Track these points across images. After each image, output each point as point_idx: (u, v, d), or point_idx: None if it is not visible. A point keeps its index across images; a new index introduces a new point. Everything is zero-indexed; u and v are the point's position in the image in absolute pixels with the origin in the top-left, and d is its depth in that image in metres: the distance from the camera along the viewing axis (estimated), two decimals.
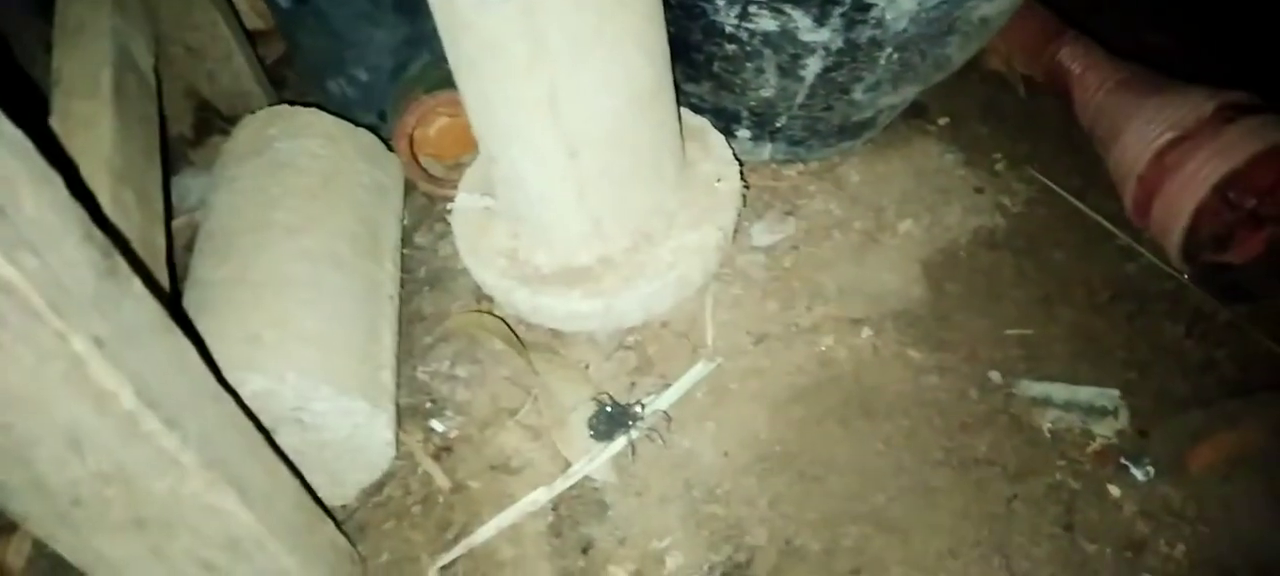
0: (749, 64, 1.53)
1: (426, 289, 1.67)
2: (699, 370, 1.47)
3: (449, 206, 1.79)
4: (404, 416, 1.46)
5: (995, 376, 1.43)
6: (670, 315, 1.55)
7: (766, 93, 1.60)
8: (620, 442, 1.39)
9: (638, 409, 1.40)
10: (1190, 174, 1.45)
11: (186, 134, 1.88)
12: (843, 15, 1.37)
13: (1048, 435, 1.36)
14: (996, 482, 1.32)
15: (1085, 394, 1.39)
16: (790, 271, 1.61)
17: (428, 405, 1.50)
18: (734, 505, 1.33)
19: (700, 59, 1.58)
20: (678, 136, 1.55)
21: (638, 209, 1.53)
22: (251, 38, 1.99)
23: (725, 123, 1.73)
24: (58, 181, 0.79)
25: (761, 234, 1.65)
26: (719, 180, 1.61)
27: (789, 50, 1.47)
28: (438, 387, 1.52)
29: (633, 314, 1.51)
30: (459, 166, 1.94)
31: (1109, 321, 1.50)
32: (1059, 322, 1.50)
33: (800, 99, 1.60)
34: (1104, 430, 1.35)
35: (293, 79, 2.12)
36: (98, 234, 0.85)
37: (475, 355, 1.55)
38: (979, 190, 1.73)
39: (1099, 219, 1.65)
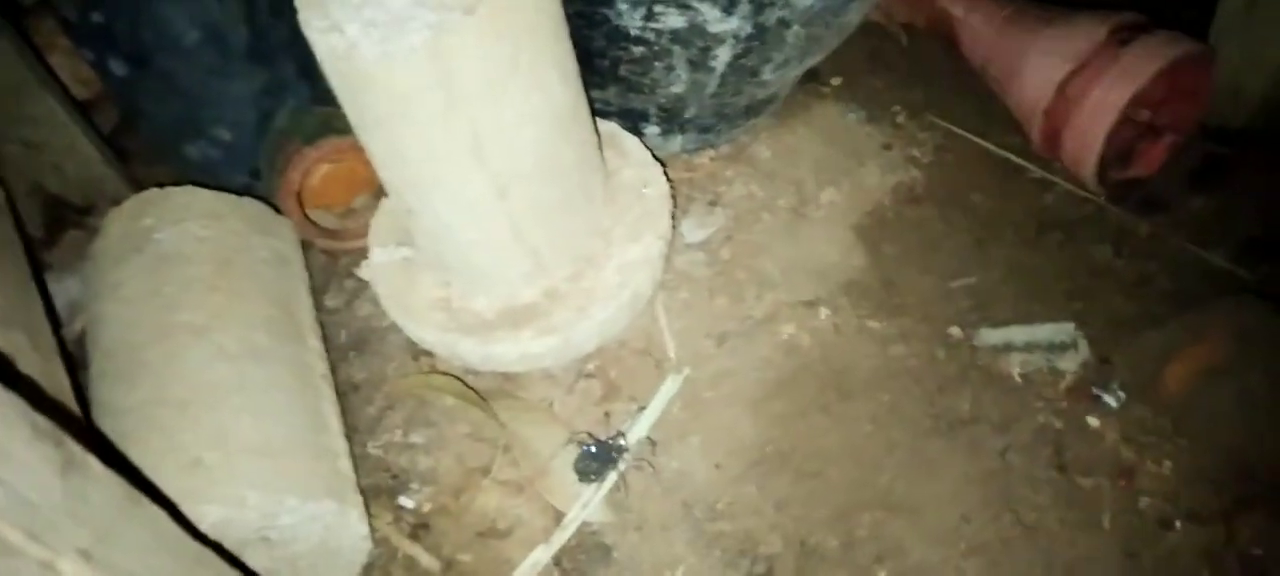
0: (658, 63, 1.48)
1: (353, 355, 1.55)
2: (670, 386, 1.42)
3: (361, 262, 1.67)
4: (367, 499, 1.34)
5: (955, 332, 1.45)
6: (624, 333, 1.49)
7: (677, 88, 1.55)
8: (611, 480, 1.33)
9: (620, 440, 1.34)
10: (1097, 102, 1.50)
11: (38, 235, 1.66)
12: (752, 1, 1.34)
13: (1019, 380, 1.39)
14: (986, 438, 1.34)
15: (1042, 332, 1.43)
16: (731, 263, 1.57)
17: (389, 482, 1.39)
18: (740, 517, 1.30)
19: (605, 64, 1.52)
20: (599, 151, 1.48)
21: (574, 233, 1.45)
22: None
23: (632, 122, 1.68)
24: None
25: (693, 230, 1.61)
26: (646, 186, 1.55)
27: (698, 44, 1.42)
28: (395, 460, 1.41)
29: (589, 342, 1.44)
30: (352, 213, 1.81)
31: (1043, 254, 1.55)
32: (997, 265, 1.54)
33: (711, 89, 1.56)
34: (1069, 364, 1.39)
35: (137, 149, 1.90)
36: (42, 420, 0.73)
37: (427, 417, 1.45)
38: (887, 146, 1.74)
39: (1008, 155, 1.70)
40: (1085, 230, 1.58)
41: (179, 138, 1.73)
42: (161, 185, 1.50)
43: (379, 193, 1.82)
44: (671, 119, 1.67)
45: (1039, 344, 1.42)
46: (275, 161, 1.67)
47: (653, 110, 1.64)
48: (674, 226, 1.59)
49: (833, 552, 1.25)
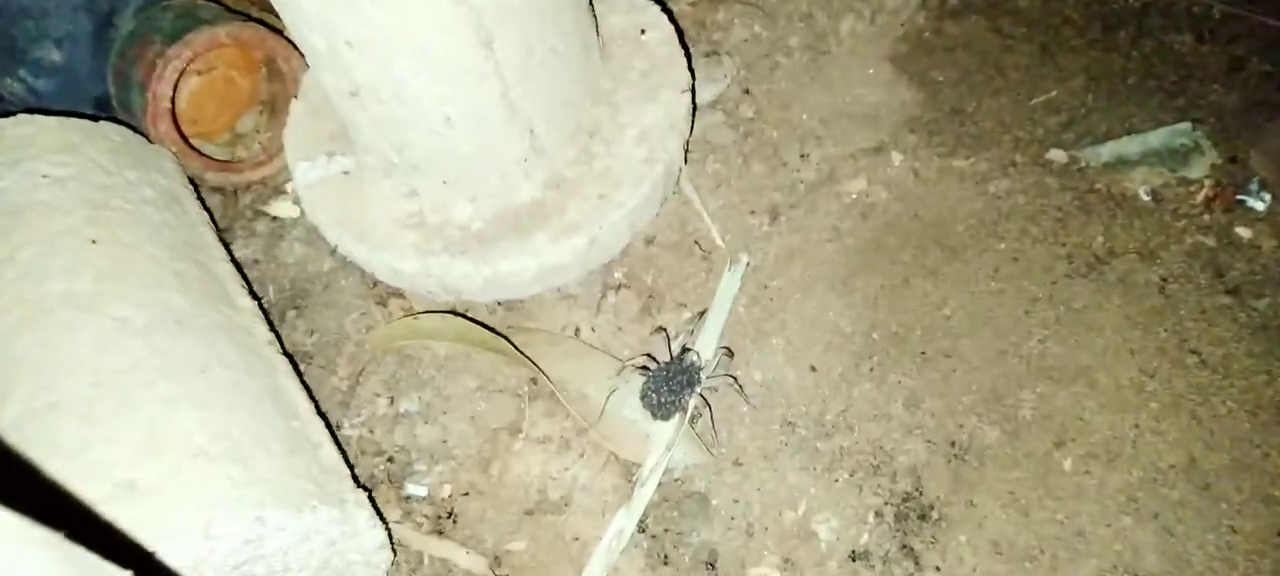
0: None
1: (292, 315, 1.16)
2: (731, 280, 1.10)
3: (274, 196, 1.28)
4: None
5: (1058, 155, 1.19)
6: (651, 226, 1.16)
7: None
8: (690, 409, 1.00)
9: (691, 357, 1.02)
10: None
11: None
12: None
13: (1148, 199, 1.14)
14: (1137, 272, 1.08)
15: (1156, 138, 1.18)
16: (758, 120, 1.26)
17: (387, 468, 1.03)
18: (861, 425, 1.01)
19: None
20: None
21: (574, 99, 1.10)
22: None
23: None
24: None
25: (701, 87, 1.28)
26: (644, 31, 1.21)
27: None
28: (387, 439, 1.05)
29: (618, 240, 1.11)
30: (240, 139, 1.39)
31: (1119, 54, 1.29)
32: (1073, 73, 1.27)
33: None
34: (1197, 171, 1.15)
35: None
36: None
37: (417, 375, 1.09)
38: None
39: None
40: (1154, 20, 1.33)
41: None
42: None
43: (268, 110, 1.41)
44: None
45: (1157, 153, 1.17)
46: (130, 76, 1.24)
47: None
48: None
49: (995, 445, 0.98)
